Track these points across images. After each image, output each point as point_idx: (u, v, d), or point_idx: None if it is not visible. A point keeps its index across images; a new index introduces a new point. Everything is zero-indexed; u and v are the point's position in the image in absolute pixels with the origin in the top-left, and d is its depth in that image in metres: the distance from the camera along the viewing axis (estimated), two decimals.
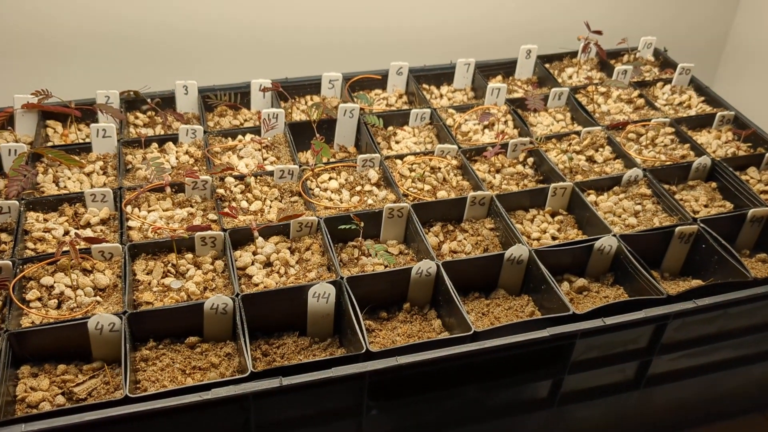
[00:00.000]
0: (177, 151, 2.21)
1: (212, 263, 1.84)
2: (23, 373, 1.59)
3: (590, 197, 2.14)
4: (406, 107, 2.58)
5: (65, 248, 1.72)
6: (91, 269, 1.78)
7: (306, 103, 2.54)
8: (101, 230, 1.93)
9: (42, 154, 2.09)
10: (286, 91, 2.49)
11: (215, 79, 2.51)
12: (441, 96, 2.67)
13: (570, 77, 2.76)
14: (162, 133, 2.34)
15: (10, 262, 1.73)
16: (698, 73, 2.73)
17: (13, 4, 2.51)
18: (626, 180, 2.17)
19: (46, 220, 1.93)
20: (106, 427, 1.43)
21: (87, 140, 2.23)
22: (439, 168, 2.21)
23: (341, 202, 2.07)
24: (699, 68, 2.77)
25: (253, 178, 2.09)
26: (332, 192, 2.11)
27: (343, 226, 1.91)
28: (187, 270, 1.82)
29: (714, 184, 2.23)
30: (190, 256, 1.85)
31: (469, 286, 1.91)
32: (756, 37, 3.32)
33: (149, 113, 2.42)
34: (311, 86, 2.57)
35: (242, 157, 2.22)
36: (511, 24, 3.09)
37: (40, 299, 1.70)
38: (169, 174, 2.09)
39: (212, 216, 1.98)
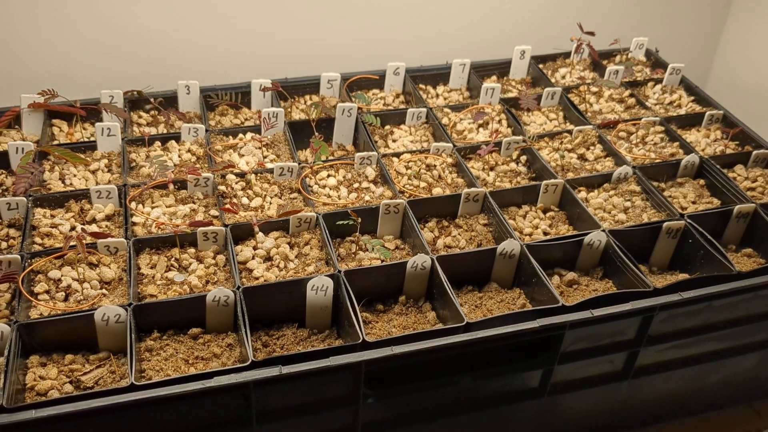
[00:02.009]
0: (179, 149, 2.27)
1: (214, 257, 1.90)
2: (32, 363, 1.65)
3: (581, 194, 2.20)
4: (402, 107, 2.64)
5: (72, 243, 1.77)
6: (97, 263, 1.84)
7: (305, 102, 2.60)
8: (106, 226, 1.98)
9: (49, 152, 2.15)
10: (286, 90, 2.54)
11: (216, 79, 2.56)
12: (437, 95, 2.73)
13: (563, 77, 2.82)
14: (165, 131, 2.39)
15: (19, 256, 1.79)
16: (691, 73, 2.78)
17: (18, 7, 2.56)
18: (616, 177, 2.23)
19: (53, 216, 1.99)
20: (112, 414, 1.49)
21: (92, 139, 2.29)
22: (435, 166, 2.27)
23: (339, 199, 2.13)
24: (691, 68, 2.82)
25: (253, 175, 2.15)
26: (331, 189, 2.17)
27: (341, 222, 1.97)
28: (190, 264, 1.87)
29: (702, 181, 2.29)
30: (192, 250, 1.91)
31: (463, 279, 1.97)
32: (747, 38, 3.38)
33: (152, 112, 2.48)
34: (310, 86, 2.63)
35: (243, 155, 2.27)
36: (506, 25, 3.15)
37: (48, 292, 1.76)
38: (172, 171, 2.14)
39: (214, 212, 2.04)
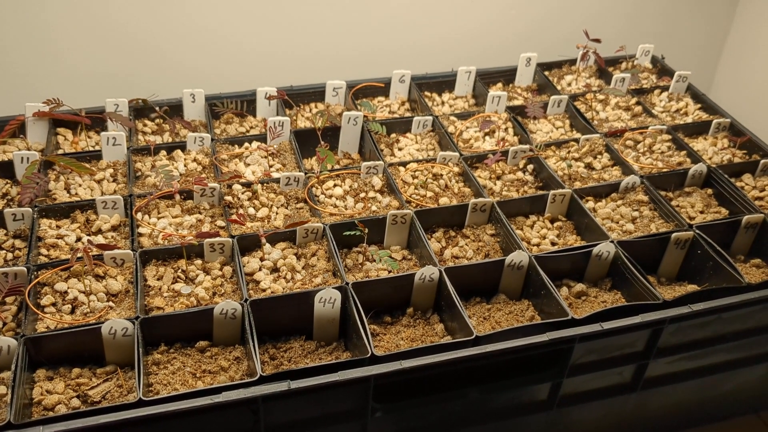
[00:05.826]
0: (185, 159, 2.26)
1: (221, 269, 1.89)
2: (39, 377, 1.64)
3: (589, 204, 2.19)
4: (408, 114, 2.63)
5: (79, 255, 1.76)
6: (103, 275, 1.83)
7: (311, 110, 2.59)
8: (112, 237, 1.98)
9: (54, 161, 2.14)
10: (291, 98, 2.53)
11: (222, 87, 2.55)
12: (442, 103, 2.72)
13: (569, 84, 2.81)
14: (170, 140, 2.38)
15: (25, 269, 1.78)
16: (695, 80, 2.78)
17: (24, 15, 2.55)
18: (624, 187, 2.22)
19: (58, 227, 1.98)
20: (121, 429, 1.48)
21: (97, 148, 2.28)
22: (441, 175, 2.26)
23: (346, 209, 2.12)
24: (696, 75, 2.82)
25: (259, 185, 2.14)
26: (337, 199, 2.16)
27: (347, 233, 1.96)
28: (197, 276, 1.86)
29: (710, 191, 2.28)
30: (199, 262, 1.90)
31: (471, 290, 1.96)
32: (752, 45, 3.37)
33: (157, 121, 2.47)
34: (315, 94, 2.62)
35: (249, 165, 2.26)
36: (511, 32, 3.14)
37: (54, 304, 1.75)
38: (178, 181, 2.13)
39: (220, 222, 2.03)
